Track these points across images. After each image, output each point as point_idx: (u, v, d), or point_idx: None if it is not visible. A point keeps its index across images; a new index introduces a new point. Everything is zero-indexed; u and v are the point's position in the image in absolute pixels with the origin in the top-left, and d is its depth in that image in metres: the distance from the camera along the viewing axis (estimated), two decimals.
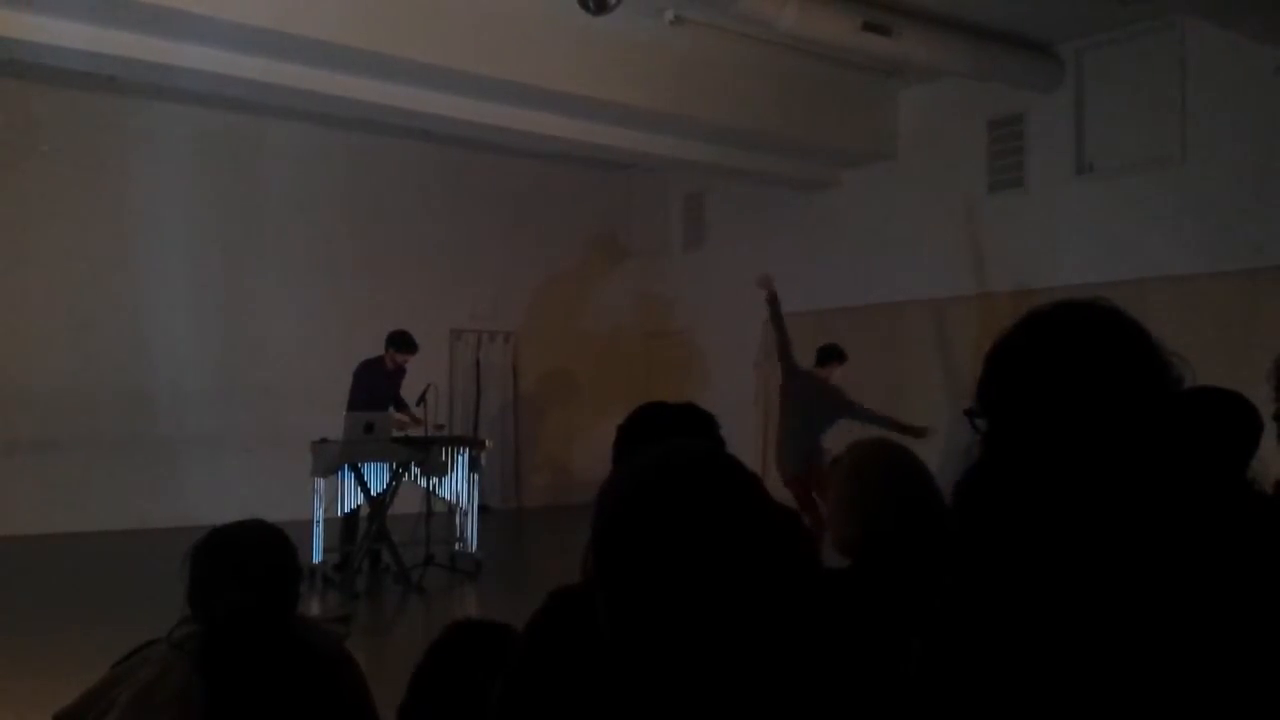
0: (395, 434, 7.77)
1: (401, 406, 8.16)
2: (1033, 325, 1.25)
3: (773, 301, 7.80)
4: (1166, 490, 1.15)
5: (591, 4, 6.24)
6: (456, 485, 8.06)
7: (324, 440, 7.74)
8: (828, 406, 7.57)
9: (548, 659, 1.30)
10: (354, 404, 7.96)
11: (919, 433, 6.72)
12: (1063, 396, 1.19)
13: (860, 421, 7.26)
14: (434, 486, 7.92)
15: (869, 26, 7.13)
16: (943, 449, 5.92)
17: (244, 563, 2.10)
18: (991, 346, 1.28)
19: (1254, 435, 2.31)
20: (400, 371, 8.18)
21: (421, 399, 7.89)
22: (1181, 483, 1.16)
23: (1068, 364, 1.20)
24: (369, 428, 7.52)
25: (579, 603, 1.22)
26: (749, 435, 10.30)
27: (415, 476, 7.83)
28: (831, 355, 7.93)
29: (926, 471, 2.10)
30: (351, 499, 7.71)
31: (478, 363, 11.70)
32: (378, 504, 7.71)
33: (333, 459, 7.53)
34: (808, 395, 7.59)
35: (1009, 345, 1.26)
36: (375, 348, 8.37)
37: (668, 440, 1.23)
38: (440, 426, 8.26)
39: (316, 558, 7.48)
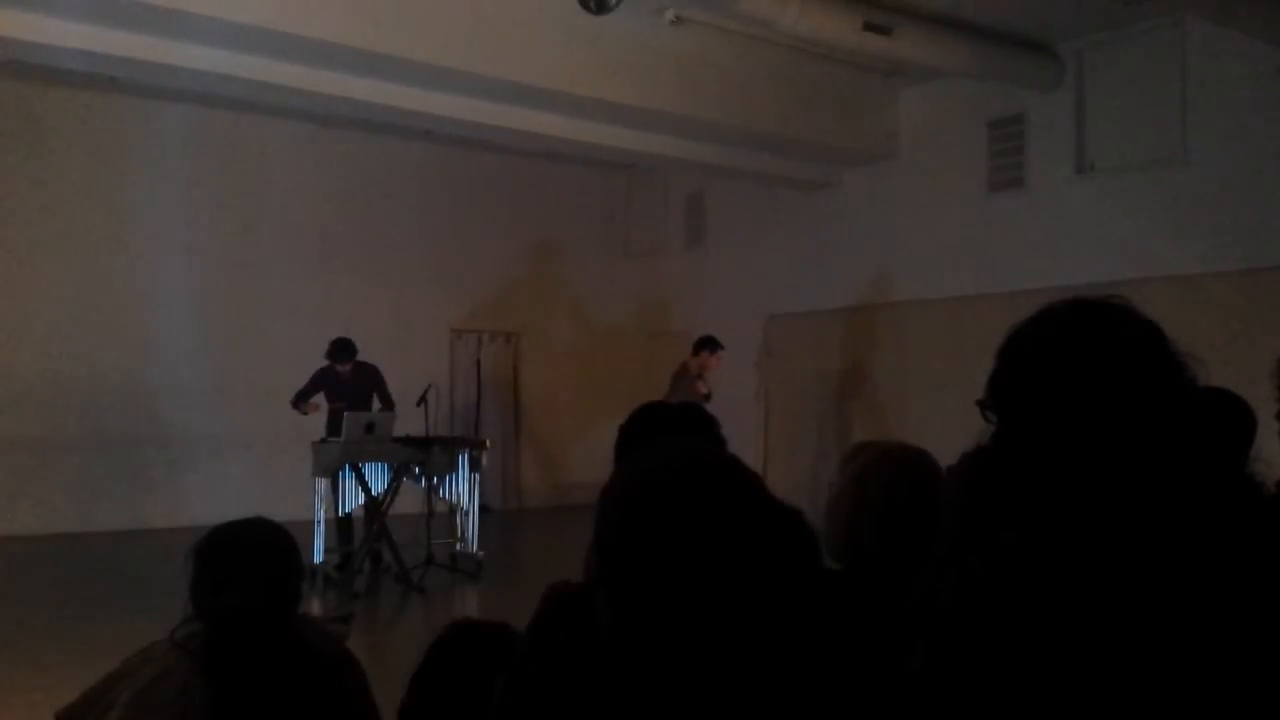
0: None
1: (387, 405, 8.14)
2: (1047, 321, 1.25)
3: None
4: (1175, 489, 1.15)
5: (592, 4, 6.24)
6: (457, 485, 8.06)
7: (324, 440, 7.75)
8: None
9: (549, 659, 1.30)
10: (294, 400, 8.02)
11: None
12: (1075, 393, 1.19)
13: None
14: (435, 487, 7.93)
15: (869, 26, 7.13)
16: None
17: (246, 561, 2.10)
18: (1005, 340, 1.28)
19: (1249, 433, 2.31)
20: (363, 371, 8.12)
21: (422, 399, 7.90)
22: (1189, 482, 1.16)
23: (1081, 361, 1.20)
24: (369, 428, 7.52)
25: (580, 602, 1.22)
26: (749, 435, 10.31)
27: (417, 477, 7.84)
28: (700, 345, 8.97)
29: (937, 475, 2.05)
30: (352, 499, 7.72)
31: (478, 363, 11.69)
32: (378, 504, 7.72)
33: (333, 459, 7.54)
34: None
35: (1023, 340, 1.26)
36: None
37: (669, 441, 1.24)
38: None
39: (317, 558, 7.48)
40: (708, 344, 8.98)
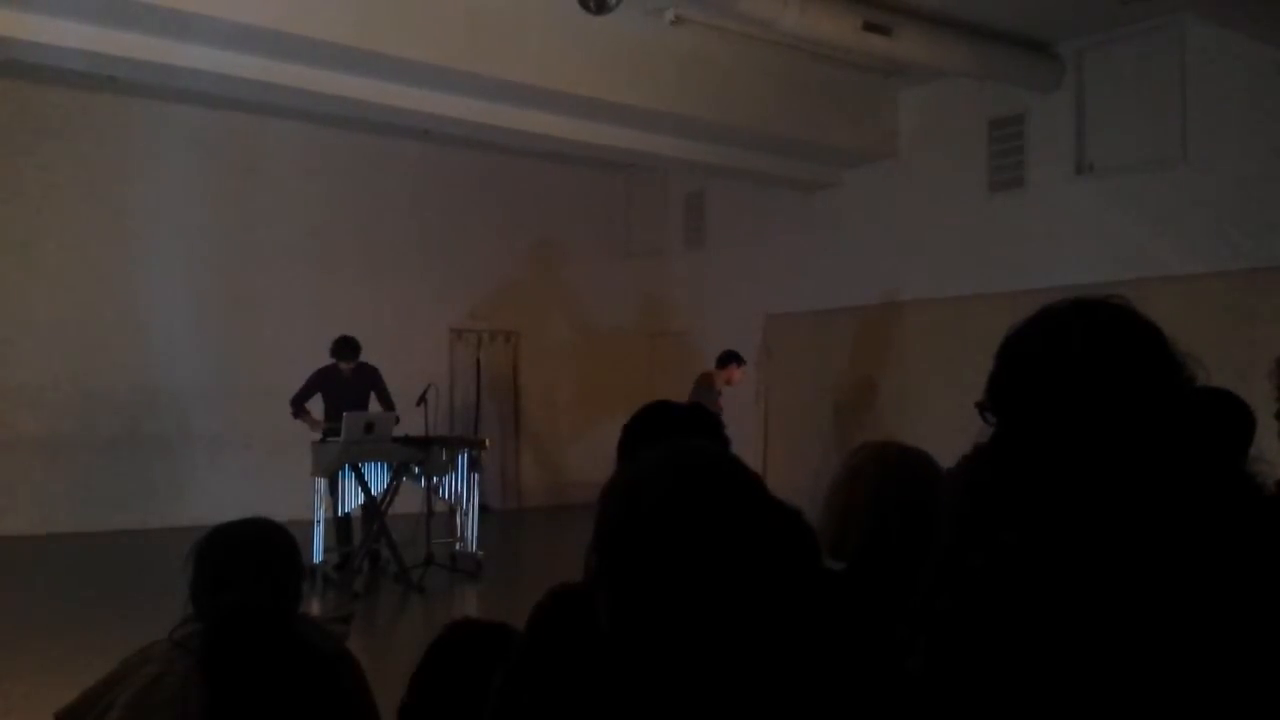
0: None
1: (387, 405, 8.13)
2: (1046, 321, 1.25)
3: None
4: (1175, 489, 1.15)
5: (592, 4, 6.24)
6: (457, 485, 8.06)
7: (324, 440, 7.75)
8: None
9: (547, 656, 1.30)
10: (294, 401, 8.04)
11: None
12: (1074, 394, 1.19)
13: None
14: (435, 486, 7.93)
15: (869, 26, 7.13)
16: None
17: (247, 561, 2.10)
18: (1004, 341, 1.28)
19: (1249, 433, 2.32)
20: (363, 372, 8.12)
21: (422, 399, 7.89)
22: (1189, 482, 1.16)
23: (1080, 361, 1.20)
24: (369, 428, 7.52)
25: (579, 601, 1.22)
26: (749, 435, 10.31)
27: (417, 476, 7.84)
28: (727, 359, 8.99)
29: (937, 475, 2.05)
30: (351, 499, 7.72)
31: (478, 363, 11.70)
32: (377, 504, 7.72)
33: (333, 459, 7.54)
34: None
35: (1022, 340, 1.26)
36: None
37: (671, 441, 1.24)
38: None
39: (317, 558, 7.48)
40: (734, 358, 8.99)
